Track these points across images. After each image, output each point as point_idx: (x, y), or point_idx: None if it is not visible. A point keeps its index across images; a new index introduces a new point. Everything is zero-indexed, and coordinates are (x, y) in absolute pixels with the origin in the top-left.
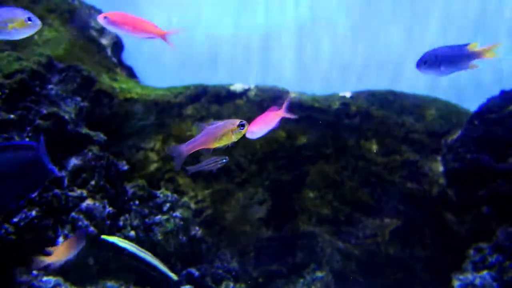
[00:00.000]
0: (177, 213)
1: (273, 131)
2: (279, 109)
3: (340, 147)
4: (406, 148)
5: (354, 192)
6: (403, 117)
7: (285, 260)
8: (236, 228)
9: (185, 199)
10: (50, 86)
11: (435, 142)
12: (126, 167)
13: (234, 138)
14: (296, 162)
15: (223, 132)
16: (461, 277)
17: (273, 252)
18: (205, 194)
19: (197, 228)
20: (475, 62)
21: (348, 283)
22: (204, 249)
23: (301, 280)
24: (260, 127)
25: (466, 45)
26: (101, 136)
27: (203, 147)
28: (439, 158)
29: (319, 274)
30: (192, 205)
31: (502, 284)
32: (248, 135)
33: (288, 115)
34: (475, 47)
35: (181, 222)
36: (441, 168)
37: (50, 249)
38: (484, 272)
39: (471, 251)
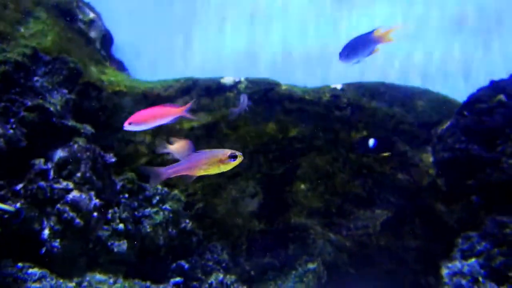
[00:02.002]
0: (167, 206)
1: (264, 124)
2: (179, 107)
3: (331, 139)
4: (397, 139)
5: (345, 184)
6: (393, 108)
7: (277, 253)
8: (228, 221)
9: (176, 192)
10: (35, 78)
11: (425, 133)
12: (113, 159)
13: (222, 168)
14: (287, 155)
15: (210, 161)
16: (449, 265)
17: (265, 244)
18: (196, 187)
19: (187, 221)
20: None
21: (340, 274)
22: (195, 241)
23: (293, 272)
24: (141, 121)
25: (372, 31)
26: (88, 128)
27: (186, 174)
28: (429, 148)
29: (311, 265)
30: (183, 198)
31: (490, 271)
32: (126, 127)
33: (188, 116)
34: (378, 32)
35: (171, 215)
36: (431, 159)
37: (173, 138)
38: (472, 260)
39: (460, 240)
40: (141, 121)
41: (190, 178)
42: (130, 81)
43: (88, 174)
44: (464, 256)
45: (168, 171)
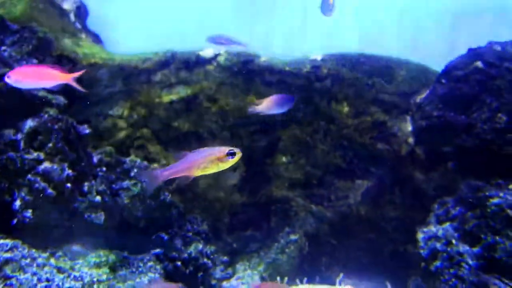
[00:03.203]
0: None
1: (244, 96)
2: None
3: (311, 110)
4: (376, 109)
5: (325, 156)
6: (373, 78)
7: (259, 225)
8: (210, 195)
9: (156, 166)
10: (3, 48)
11: (404, 103)
12: (87, 131)
13: (221, 167)
14: (268, 127)
15: (208, 160)
16: (425, 229)
17: (247, 217)
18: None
19: (166, 193)
20: None
21: (321, 245)
22: (175, 214)
23: (275, 244)
24: (22, 76)
25: None
26: (60, 99)
27: (183, 175)
28: (408, 118)
29: (292, 237)
30: None
31: (463, 234)
32: (6, 80)
33: (75, 85)
34: None
35: None
36: (410, 128)
37: (258, 101)
38: (447, 224)
39: (435, 205)
40: (23, 76)
41: (187, 178)
42: (106, 54)
43: (60, 145)
44: (439, 221)
45: (165, 173)
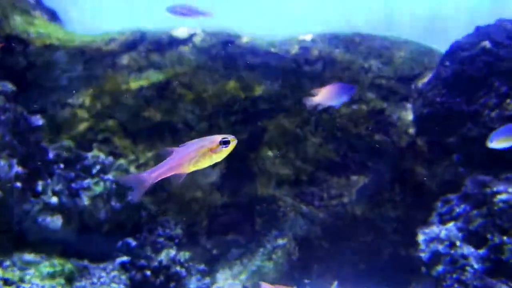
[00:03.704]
0: (109, 176)
1: (224, 82)
2: None
3: (301, 98)
4: (373, 96)
5: (317, 149)
6: (369, 60)
7: (242, 229)
8: (185, 195)
9: (122, 161)
10: None
11: (404, 88)
12: (40, 122)
13: (215, 158)
14: (252, 117)
15: (200, 153)
16: (426, 230)
17: (228, 220)
18: (148, 156)
19: None
20: None
21: (313, 249)
22: (145, 216)
23: (261, 249)
24: None
25: None
26: (8, 86)
27: (174, 173)
28: (408, 105)
29: (280, 241)
30: (133, 170)
31: (468, 235)
32: None
33: None
34: None
35: (114, 186)
36: (410, 116)
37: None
38: (450, 224)
39: (438, 203)
40: None
41: (179, 177)
42: (64, 33)
43: (7, 138)
44: (443, 220)
45: (152, 175)
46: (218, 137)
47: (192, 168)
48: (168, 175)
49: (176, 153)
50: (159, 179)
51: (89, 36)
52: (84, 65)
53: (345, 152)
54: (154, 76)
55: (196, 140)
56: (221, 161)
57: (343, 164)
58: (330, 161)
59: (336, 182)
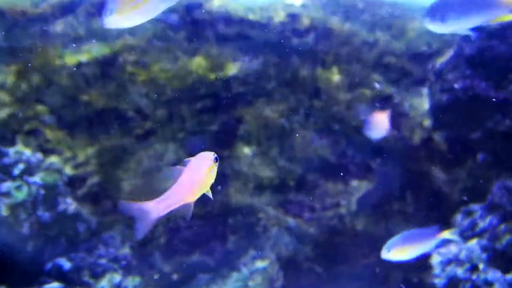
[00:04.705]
0: (36, 179)
1: (188, 58)
2: None
3: (287, 79)
4: (379, 78)
5: (308, 145)
6: (376, 33)
7: (211, 247)
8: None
9: (54, 159)
10: None
11: (419, 68)
12: None
13: (212, 177)
14: (224, 104)
15: (204, 176)
16: (442, 250)
17: (193, 236)
18: (88, 154)
19: (69, 200)
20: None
21: (301, 274)
22: (83, 231)
23: (235, 274)
24: None
25: None
26: None
27: (183, 203)
28: (424, 90)
29: (260, 264)
30: (69, 171)
31: (493, 255)
32: None
33: None
34: None
35: (42, 191)
36: (426, 105)
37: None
38: (473, 242)
39: (459, 216)
40: None
41: (189, 206)
42: None
43: None
44: (463, 238)
45: (160, 206)
46: (210, 155)
47: (199, 194)
48: (177, 206)
49: (181, 181)
50: (168, 211)
51: None
52: (6, 33)
53: (343, 149)
54: (97, 49)
55: (191, 162)
56: (184, 159)
57: (341, 165)
58: (324, 161)
59: (332, 188)
